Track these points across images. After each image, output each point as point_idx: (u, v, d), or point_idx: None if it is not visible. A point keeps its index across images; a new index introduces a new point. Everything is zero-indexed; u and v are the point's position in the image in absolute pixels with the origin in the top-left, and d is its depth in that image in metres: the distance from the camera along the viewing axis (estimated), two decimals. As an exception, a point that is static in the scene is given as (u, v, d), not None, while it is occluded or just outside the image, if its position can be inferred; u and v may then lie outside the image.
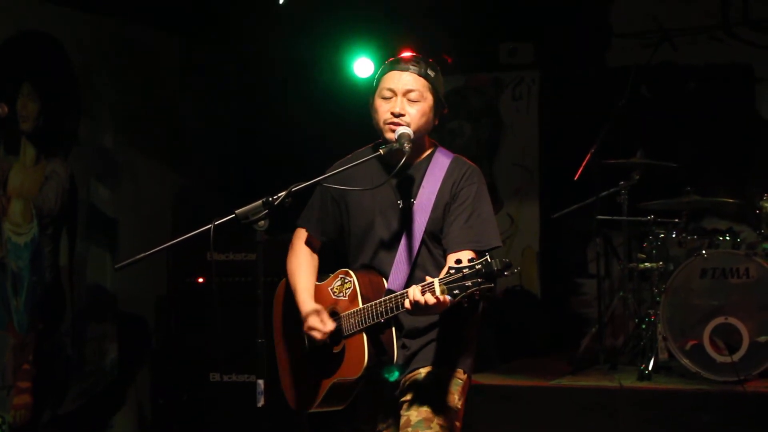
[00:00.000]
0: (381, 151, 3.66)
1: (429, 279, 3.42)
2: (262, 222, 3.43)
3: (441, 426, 3.70)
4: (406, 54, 3.89)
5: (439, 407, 3.72)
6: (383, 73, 3.81)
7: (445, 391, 3.76)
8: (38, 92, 6.51)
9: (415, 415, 3.71)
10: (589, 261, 8.64)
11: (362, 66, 7.67)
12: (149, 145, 7.45)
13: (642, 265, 7.15)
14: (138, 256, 3.53)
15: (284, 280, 4.08)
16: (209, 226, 3.46)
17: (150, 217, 7.38)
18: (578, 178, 7.13)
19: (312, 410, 3.94)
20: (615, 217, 7.24)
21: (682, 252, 6.93)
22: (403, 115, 3.71)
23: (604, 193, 7.18)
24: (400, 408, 3.78)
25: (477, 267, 3.28)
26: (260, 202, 3.44)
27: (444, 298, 3.36)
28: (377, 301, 3.64)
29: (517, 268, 3.31)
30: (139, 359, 7.33)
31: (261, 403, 3.40)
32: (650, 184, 7.17)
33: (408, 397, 3.76)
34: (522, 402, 6.45)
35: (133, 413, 7.23)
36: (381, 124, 3.76)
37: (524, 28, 8.67)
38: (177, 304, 6.90)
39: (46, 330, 6.56)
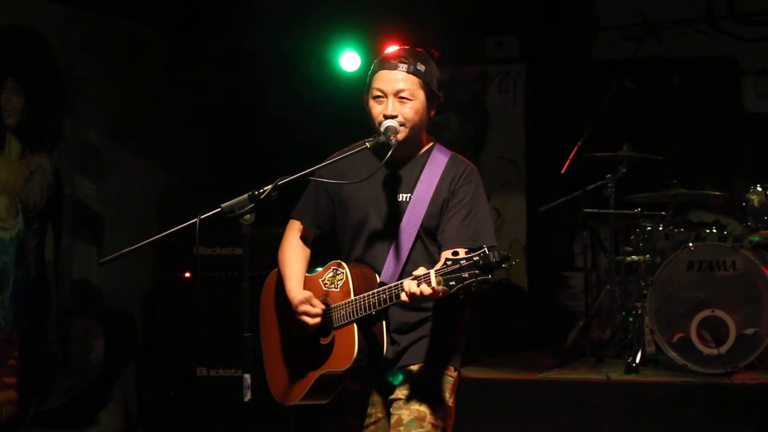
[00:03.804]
0: (367, 144, 3.65)
1: (424, 270, 3.40)
2: (248, 216, 3.41)
3: (433, 425, 3.70)
4: (395, 50, 3.80)
5: (431, 406, 3.71)
6: (374, 72, 3.75)
7: (437, 389, 3.75)
8: (23, 87, 6.48)
9: (406, 414, 3.69)
10: (576, 254, 8.66)
11: (348, 59, 7.65)
12: (135, 140, 7.42)
13: (629, 258, 7.16)
14: (123, 251, 3.52)
15: (274, 271, 4.07)
16: (195, 220, 3.44)
17: (136, 212, 7.35)
18: (565, 171, 7.13)
19: (296, 402, 3.91)
20: (602, 210, 7.25)
21: (668, 245, 6.94)
22: (395, 117, 3.68)
23: (590, 187, 7.18)
24: (391, 405, 3.77)
25: (474, 259, 3.26)
26: (246, 195, 3.42)
27: (439, 289, 3.33)
28: (370, 292, 3.61)
29: (515, 261, 3.29)
30: (125, 354, 7.31)
31: (248, 397, 3.39)
32: (637, 177, 7.18)
33: (399, 394, 3.74)
34: (509, 396, 6.45)
35: (119, 409, 7.20)
36: (375, 124, 3.73)
37: (510, 22, 8.66)
38: (163, 299, 6.89)
39: (32, 326, 6.53)
